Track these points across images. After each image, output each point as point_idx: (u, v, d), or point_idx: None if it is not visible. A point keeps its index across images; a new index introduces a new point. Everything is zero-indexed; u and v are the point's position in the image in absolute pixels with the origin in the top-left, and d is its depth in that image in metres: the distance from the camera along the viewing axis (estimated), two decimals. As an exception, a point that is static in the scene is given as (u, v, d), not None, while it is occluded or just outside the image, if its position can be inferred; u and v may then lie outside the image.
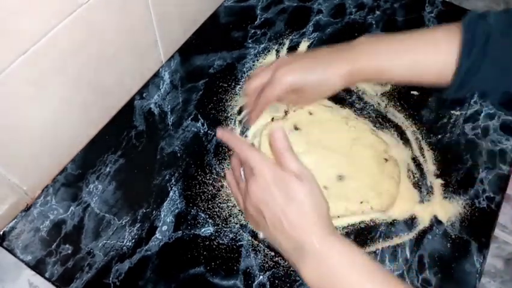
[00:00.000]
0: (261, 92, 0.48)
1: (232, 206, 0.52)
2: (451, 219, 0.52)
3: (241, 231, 0.50)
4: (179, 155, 0.56)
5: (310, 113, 0.59)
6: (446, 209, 0.53)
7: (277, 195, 0.39)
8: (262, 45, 0.67)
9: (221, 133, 0.46)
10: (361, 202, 0.52)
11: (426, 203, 0.53)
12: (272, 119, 0.59)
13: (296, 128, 0.58)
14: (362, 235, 0.51)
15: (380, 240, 0.50)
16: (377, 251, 0.50)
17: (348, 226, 0.51)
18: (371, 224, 0.51)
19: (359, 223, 0.51)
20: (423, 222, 0.52)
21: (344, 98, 0.62)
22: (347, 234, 0.51)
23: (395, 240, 0.50)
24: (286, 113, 0.59)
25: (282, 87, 0.47)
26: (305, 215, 0.39)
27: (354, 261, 0.37)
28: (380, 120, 0.60)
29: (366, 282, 0.36)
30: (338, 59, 0.48)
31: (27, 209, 0.51)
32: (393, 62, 0.45)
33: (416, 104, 0.61)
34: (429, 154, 0.57)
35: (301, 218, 0.39)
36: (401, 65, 0.45)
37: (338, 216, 0.51)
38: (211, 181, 0.54)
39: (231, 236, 0.50)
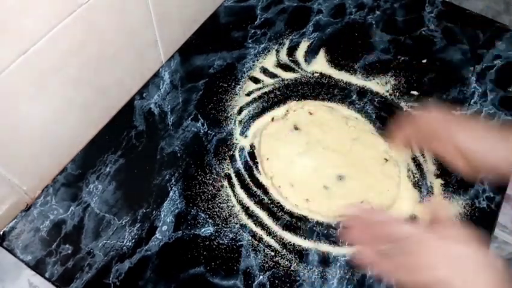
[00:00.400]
0: None
1: (232, 206, 0.52)
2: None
3: (241, 231, 0.50)
4: (179, 155, 0.56)
5: (311, 113, 0.59)
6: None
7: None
8: (262, 45, 0.67)
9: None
10: (361, 202, 0.52)
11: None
12: (272, 119, 0.59)
13: (296, 128, 0.58)
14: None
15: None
16: (377, 251, 0.50)
17: (348, 226, 0.51)
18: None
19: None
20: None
21: (344, 98, 0.62)
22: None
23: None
24: (286, 112, 0.60)
25: None
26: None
27: None
28: (380, 120, 0.59)
29: None
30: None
31: (27, 209, 0.51)
32: None
33: (416, 104, 0.61)
34: (429, 154, 0.57)
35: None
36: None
37: (339, 216, 0.51)
38: (211, 181, 0.54)
39: (231, 236, 0.50)
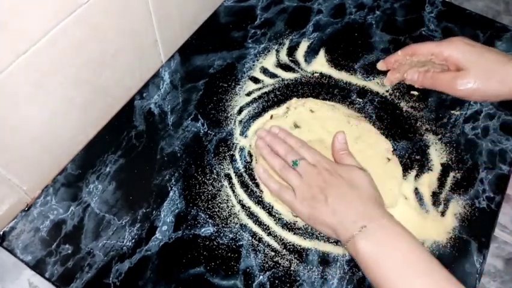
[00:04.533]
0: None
1: (232, 206, 0.52)
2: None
3: (241, 231, 0.50)
4: (179, 155, 0.56)
5: (312, 111, 0.59)
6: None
7: (342, 181, 0.47)
8: (262, 45, 0.67)
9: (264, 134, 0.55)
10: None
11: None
12: (271, 117, 0.59)
13: (296, 126, 0.57)
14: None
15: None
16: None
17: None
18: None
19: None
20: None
21: (344, 98, 0.62)
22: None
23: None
24: (287, 109, 0.59)
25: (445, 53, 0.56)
26: (365, 200, 0.46)
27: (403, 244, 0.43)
28: (380, 120, 0.60)
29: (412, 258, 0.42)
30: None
31: (27, 209, 0.51)
32: None
33: (416, 104, 0.61)
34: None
35: (361, 202, 0.46)
36: None
37: None
38: (211, 181, 0.54)
39: (231, 236, 0.50)
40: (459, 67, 0.55)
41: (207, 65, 0.64)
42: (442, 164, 0.56)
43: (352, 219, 0.44)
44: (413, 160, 0.56)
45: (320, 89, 0.63)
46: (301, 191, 0.48)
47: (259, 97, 0.61)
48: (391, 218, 0.45)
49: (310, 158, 0.50)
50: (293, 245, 0.50)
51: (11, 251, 0.48)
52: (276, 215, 0.52)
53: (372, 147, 0.56)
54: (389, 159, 0.55)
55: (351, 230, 0.44)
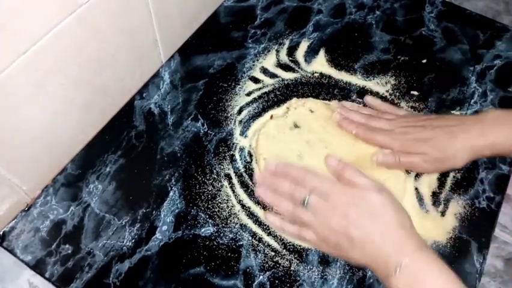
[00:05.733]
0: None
1: (232, 206, 0.52)
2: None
3: (241, 231, 0.50)
4: (179, 155, 0.56)
5: (311, 111, 0.58)
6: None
7: (362, 213, 0.42)
8: (262, 45, 0.67)
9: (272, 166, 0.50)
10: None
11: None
12: (271, 117, 0.59)
13: (296, 126, 0.57)
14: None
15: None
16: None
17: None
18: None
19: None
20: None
21: (344, 98, 0.62)
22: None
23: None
24: (287, 110, 0.59)
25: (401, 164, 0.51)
26: (392, 230, 0.41)
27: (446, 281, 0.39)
28: (380, 120, 0.60)
29: None
30: (465, 131, 0.49)
31: (27, 209, 0.51)
32: None
33: (416, 104, 0.61)
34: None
35: (389, 235, 0.40)
36: None
37: None
38: (211, 181, 0.54)
39: (231, 236, 0.50)
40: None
41: (207, 65, 0.64)
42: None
43: (383, 258, 0.40)
44: (413, 160, 0.56)
45: (320, 89, 0.63)
46: (321, 231, 0.44)
47: (259, 97, 0.61)
48: (424, 247, 0.40)
49: (319, 186, 0.45)
50: (293, 245, 0.50)
51: (11, 251, 0.48)
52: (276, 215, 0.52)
53: (372, 146, 0.55)
54: None
55: (386, 270, 0.40)
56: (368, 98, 0.59)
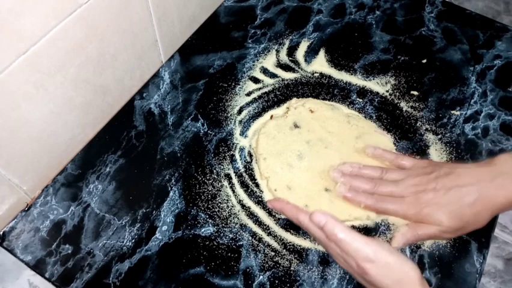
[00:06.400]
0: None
1: (232, 206, 0.52)
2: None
3: (241, 231, 0.50)
4: (179, 155, 0.56)
5: (312, 111, 0.59)
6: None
7: (360, 279, 0.42)
8: (262, 45, 0.67)
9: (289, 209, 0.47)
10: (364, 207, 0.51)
11: None
12: (271, 117, 0.59)
13: (296, 126, 0.57)
14: (359, 231, 0.51)
15: (380, 235, 0.50)
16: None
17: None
18: (372, 227, 0.51)
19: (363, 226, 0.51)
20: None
21: (344, 98, 0.62)
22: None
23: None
24: (287, 110, 0.59)
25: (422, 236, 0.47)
26: None
27: None
28: (380, 120, 0.60)
29: None
30: (483, 190, 0.44)
31: (27, 209, 0.51)
32: None
33: (416, 104, 0.61)
34: (429, 154, 0.57)
35: None
36: None
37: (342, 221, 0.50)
38: (211, 181, 0.54)
39: (231, 236, 0.50)
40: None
41: (207, 65, 0.64)
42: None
43: None
44: (413, 160, 0.56)
45: (320, 89, 0.63)
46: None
47: (259, 97, 0.61)
48: None
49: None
50: (293, 245, 0.50)
51: (11, 251, 0.48)
52: (276, 215, 0.52)
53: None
54: None
55: None
56: (369, 150, 0.54)
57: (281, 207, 0.47)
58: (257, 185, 0.54)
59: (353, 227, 0.51)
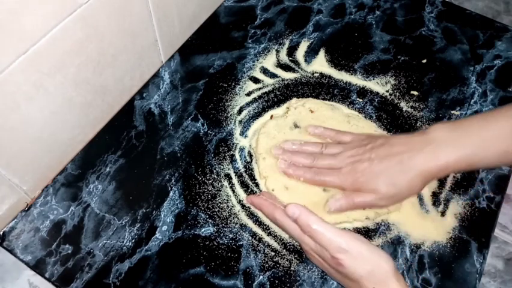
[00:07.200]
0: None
1: (232, 206, 0.52)
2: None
3: (241, 231, 0.50)
4: (179, 155, 0.56)
5: (312, 111, 0.59)
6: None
7: (334, 273, 0.42)
8: (262, 45, 0.67)
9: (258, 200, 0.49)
10: (363, 208, 0.50)
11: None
12: (271, 117, 0.59)
13: (296, 126, 0.57)
14: (359, 232, 0.51)
15: (380, 235, 0.50)
16: (377, 251, 0.50)
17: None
18: (372, 227, 0.51)
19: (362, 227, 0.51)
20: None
21: (344, 98, 0.62)
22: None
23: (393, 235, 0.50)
24: (287, 110, 0.59)
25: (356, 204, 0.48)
26: None
27: None
28: (380, 120, 0.60)
29: None
30: (414, 157, 0.46)
31: (27, 209, 0.51)
32: (483, 153, 0.45)
33: (416, 104, 0.61)
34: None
35: None
36: (492, 155, 0.45)
37: (341, 222, 0.50)
38: (211, 181, 0.54)
39: (231, 236, 0.50)
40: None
41: (207, 65, 0.64)
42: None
43: None
44: (413, 160, 0.56)
45: (320, 89, 0.63)
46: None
47: (259, 97, 0.61)
48: None
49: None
50: (293, 245, 0.50)
51: (11, 251, 0.48)
52: (276, 215, 0.52)
53: None
54: None
55: None
56: (310, 129, 0.55)
57: (260, 203, 0.48)
58: (257, 185, 0.54)
59: (353, 228, 0.51)
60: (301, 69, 0.65)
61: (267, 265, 0.48)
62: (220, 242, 0.49)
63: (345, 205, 0.48)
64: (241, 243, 0.49)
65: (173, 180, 0.54)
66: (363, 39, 0.68)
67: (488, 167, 0.49)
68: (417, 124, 0.59)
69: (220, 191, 0.53)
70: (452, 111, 0.61)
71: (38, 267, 0.47)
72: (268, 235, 0.50)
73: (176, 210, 0.51)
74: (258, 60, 0.65)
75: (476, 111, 0.61)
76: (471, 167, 0.47)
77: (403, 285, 0.40)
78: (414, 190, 0.47)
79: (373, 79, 0.64)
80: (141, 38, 0.57)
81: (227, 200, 0.52)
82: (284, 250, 0.49)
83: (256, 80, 0.63)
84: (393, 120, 0.60)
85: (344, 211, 0.49)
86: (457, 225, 0.51)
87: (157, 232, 0.50)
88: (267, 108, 0.60)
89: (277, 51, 0.66)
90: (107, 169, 0.54)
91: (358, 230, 0.51)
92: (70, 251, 0.48)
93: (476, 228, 0.51)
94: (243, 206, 0.52)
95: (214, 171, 0.55)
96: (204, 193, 0.53)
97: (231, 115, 0.60)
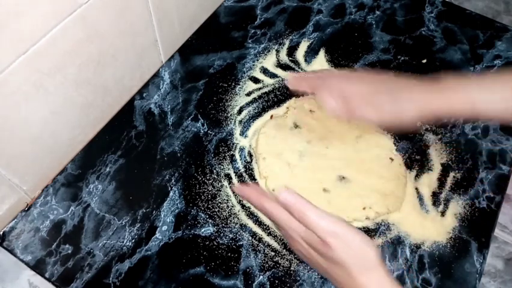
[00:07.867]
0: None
1: (232, 206, 0.52)
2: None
3: (241, 231, 0.50)
4: (179, 155, 0.56)
5: (311, 111, 0.58)
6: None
7: (320, 260, 0.41)
8: (262, 45, 0.67)
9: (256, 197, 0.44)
10: (363, 208, 0.50)
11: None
12: (271, 116, 0.59)
13: (296, 126, 0.57)
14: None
15: (380, 235, 0.50)
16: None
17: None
18: (372, 227, 0.51)
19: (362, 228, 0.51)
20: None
21: (344, 98, 0.62)
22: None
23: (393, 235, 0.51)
24: (287, 110, 0.59)
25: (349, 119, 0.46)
26: (351, 275, 0.39)
27: None
28: (380, 120, 0.60)
29: None
30: (417, 91, 0.45)
31: (27, 209, 0.51)
32: (489, 96, 0.44)
33: (416, 104, 0.61)
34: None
35: (349, 279, 0.39)
36: (499, 100, 0.44)
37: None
38: (211, 181, 0.54)
39: (231, 236, 0.50)
40: None
41: (207, 65, 0.64)
42: (442, 164, 0.56)
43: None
44: (413, 160, 0.56)
45: (320, 89, 0.62)
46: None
47: (259, 97, 0.61)
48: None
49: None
50: (293, 245, 0.50)
51: (11, 251, 0.48)
52: (276, 215, 0.51)
53: (374, 146, 0.55)
54: (392, 160, 0.55)
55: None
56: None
57: (249, 192, 0.45)
58: (257, 185, 0.54)
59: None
60: (302, 69, 0.65)
61: (267, 265, 0.48)
62: (220, 242, 0.49)
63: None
64: (241, 243, 0.49)
65: (173, 180, 0.54)
66: (363, 39, 0.68)
67: (493, 116, 0.47)
68: (417, 124, 0.59)
69: (220, 191, 0.53)
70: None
71: (38, 267, 0.47)
72: (268, 235, 0.50)
73: (176, 210, 0.51)
74: (258, 60, 0.65)
75: (476, 111, 0.61)
76: (475, 111, 0.45)
77: (388, 275, 0.40)
78: (405, 114, 0.45)
79: (373, 79, 0.64)
80: (141, 38, 0.57)
81: (227, 200, 0.52)
82: (284, 250, 0.49)
83: (256, 80, 0.63)
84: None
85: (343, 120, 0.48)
86: (456, 225, 0.52)
87: (157, 232, 0.50)
88: (267, 108, 0.60)
89: (277, 51, 0.66)
90: (107, 169, 0.54)
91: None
92: (70, 251, 0.48)
93: (476, 228, 0.51)
94: (243, 206, 0.52)
95: (214, 171, 0.55)
96: (204, 193, 0.53)
97: (231, 115, 0.60)
